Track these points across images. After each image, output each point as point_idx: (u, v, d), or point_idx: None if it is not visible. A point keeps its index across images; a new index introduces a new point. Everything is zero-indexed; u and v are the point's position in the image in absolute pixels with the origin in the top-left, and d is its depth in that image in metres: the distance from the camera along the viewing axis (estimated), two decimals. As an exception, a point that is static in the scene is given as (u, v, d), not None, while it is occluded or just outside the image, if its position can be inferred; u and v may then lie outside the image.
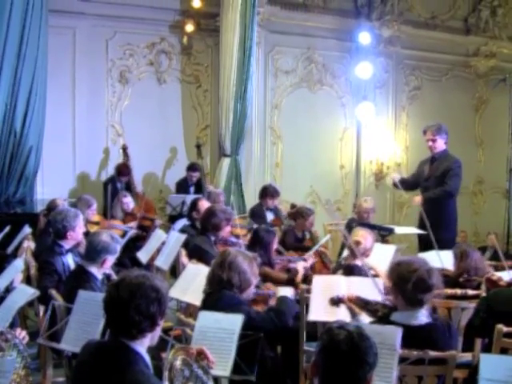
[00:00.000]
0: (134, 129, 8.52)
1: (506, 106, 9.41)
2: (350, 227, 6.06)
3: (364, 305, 3.38)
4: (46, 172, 7.72)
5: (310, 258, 5.33)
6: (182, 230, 6.19)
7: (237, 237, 5.78)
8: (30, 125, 7.20)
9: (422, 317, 2.95)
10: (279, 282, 4.61)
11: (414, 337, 2.82)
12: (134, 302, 2.29)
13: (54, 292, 3.88)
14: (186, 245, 5.46)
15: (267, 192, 7.35)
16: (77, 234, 4.61)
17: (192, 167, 8.13)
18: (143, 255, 5.78)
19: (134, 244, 6.31)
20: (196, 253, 5.08)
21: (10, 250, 5.48)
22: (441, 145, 6.45)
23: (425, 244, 5.71)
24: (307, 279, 4.81)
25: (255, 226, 6.39)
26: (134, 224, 6.75)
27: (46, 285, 4.17)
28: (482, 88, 10.66)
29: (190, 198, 7.08)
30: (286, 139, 9.42)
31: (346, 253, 5.10)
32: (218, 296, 3.36)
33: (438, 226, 6.05)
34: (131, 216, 6.95)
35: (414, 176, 6.90)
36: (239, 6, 8.15)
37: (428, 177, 6.50)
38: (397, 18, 9.53)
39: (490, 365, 2.53)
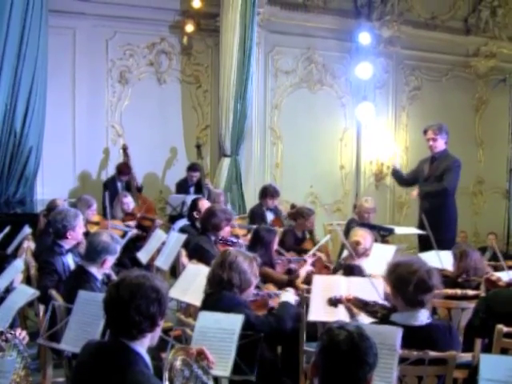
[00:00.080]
0: (134, 129, 8.52)
1: (506, 107, 9.42)
2: (350, 227, 6.06)
3: (362, 306, 3.38)
4: (46, 172, 7.72)
5: (310, 259, 5.32)
6: (183, 229, 6.20)
7: (237, 237, 5.79)
8: (30, 125, 7.20)
9: (423, 317, 2.94)
10: (280, 284, 4.60)
11: (414, 337, 2.82)
12: (134, 303, 2.29)
13: (53, 292, 3.88)
14: (186, 245, 5.46)
15: (267, 192, 7.35)
16: (77, 233, 4.61)
17: (192, 167, 8.13)
18: (143, 255, 5.78)
19: (134, 244, 6.31)
20: (196, 253, 5.08)
21: (10, 250, 5.47)
22: (441, 144, 6.46)
23: (425, 244, 5.71)
24: (307, 279, 4.81)
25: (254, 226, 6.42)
26: (132, 223, 6.76)
27: (46, 284, 4.17)
28: (482, 88, 10.66)
29: (190, 199, 7.08)
30: (286, 139, 9.42)
31: (345, 253, 5.10)
32: (218, 297, 3.36)
33: (438, 226, 6.05)
34: (131, 216, 6.96)
35: (412, 173, 6.94)
36: (239, 6, 8.15)
37: (428, 176, 6.51)
38: (397, 18, 9.53)
39: (490, 365, 2.53)
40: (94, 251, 3.90)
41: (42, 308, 4.17)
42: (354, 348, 2.04)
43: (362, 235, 4.81)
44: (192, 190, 8.11)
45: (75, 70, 8.14)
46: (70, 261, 4.51)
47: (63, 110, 8.03)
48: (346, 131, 9.80)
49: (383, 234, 6.28)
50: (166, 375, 2.52)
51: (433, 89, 10.33)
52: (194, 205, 6.38)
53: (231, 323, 3.08)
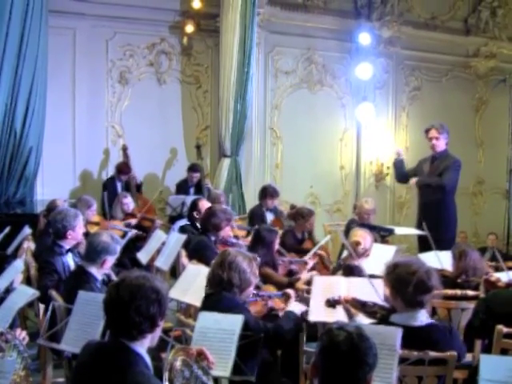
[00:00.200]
0: (134, 129, 8.52)
1: (506, 107, 9.42)
2: (350, 228, 6.06)
3: (361, 306, 3.38)
4: (46, 173, 7.72)
5: (311, 261, 5.31)
6: (183, 229, 6.20)
7: (237, 237, 5.79)
8: (30, 125, 7.20)
9: (422, 317, 2.95)
10: (280, 285, 4.60)
11: (414, 337, 2.82)
12: (134, 303, 2.29)
13: (53, 292, 3.88)
14: (186, 245, 5.46)
15: (267, 192, 7.34)
16: (77, 233, 4.61)
17: (193, 168, 8.13)
18: (143, 256, 5.78)
19: (134, 244, 6.31)
20: (196, 253, 5.09)
21: (10, 250, 5.47)
22: (443, 144, 6.47)
23: (424, 244, 5.71)
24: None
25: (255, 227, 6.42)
26: (133, 221, 6.77)
27: (46, 284, 4.17)
28: (482, 89, 10.66)
29: (189, 199, 7.08)
30: (286, 140, 9.42)
31: (345, 253, 5.10)
32: (218, 298, 3.36)
33: (438, 227, 6.06)
34: (131, 217, 6.96)
35: (411, 171, 6.93)
36: (239, 6, 8.15)
37: (428, 176, 6.51)
38: (397, 18, 9.53)
39: (490, 365, 2.54)
40: (93, 251, 3.91)
41: (42, 308, 4.17)
42: (353, 348, 2.04)
43: (362, 235, 4.81)
44: (192, 190, 8.12)
45: (75, 71, 8.14)
46: (70, 261, 4.51)
47: (63, 111, 8.03)
48: (346, 131, 9.80)
49: (383, 235, 6.28)
50: (166, 376, 2.52)
51: (433, 89, 10.33)
52: (194, 205, 6.38)
53: (231, 324, 3.08)
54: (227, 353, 2.99)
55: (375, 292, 3.56)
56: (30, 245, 5.33)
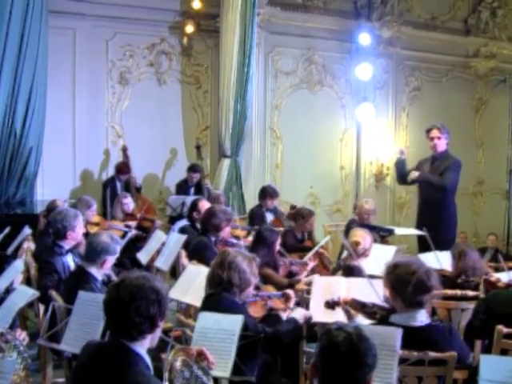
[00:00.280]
0: (134, 130, 8.52)
1: (506, 107, 9.43)
2: (350, 228, 6.06)
3: (360, 307, 3.37)
4: (46, 173, 7.72)
5: (311, 262, 5.30)
6: (183, 229, 6.20)
7: (237, 238, 5.78)
8: (30, 126, 7.20)
9: (422, 318, 2.95)
10: (280, 286, 4.59)
11: (413, 338, 2.82)
12: (134, 304, 2.29)
13: (53, 293, 3.88)
14: (186, 245, 5.46)
15: (266, 193, 7.34)
16: (77, 234, 4.61)
17: (192, 168, 8.13)
18: (143, 256, 5.78)
19: (134, 245, 6.31)
20: (196, 253, 5.09)
21: (10, 250, 5.47)
22: (443, 144, 6.45)
23: (424, 245, 5.71)
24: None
25: (255, 227, 6.41)
26: (132, 222, 6.76)
27: (46, 283, 4.18)
28: (482, 89, 10.67)
29: (189, 199, 7.08)
30: (286, 140, 9.42)
31: (345, 253, 5.10)
32: (218, 298, 3.36)
33: (438, 227, 6.06)
34: (131, 217, 6.96)
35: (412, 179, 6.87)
36: (239, 6, 8.15)
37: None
38: (397, 18, 9.53)
39: (490, 366, 2.54)
40: (93, 252, 3.91)
41: (42, 308, 4.17)
42: (352, 349, 2.05)
43: (362, 235, 4.81)
44: (192, 190, 8.12)
45: (75, 71, 8.13)
46: (70, 261, 4.52)
47: (63, 111, 8.02)
48: (346, 132, 9.81)
49: (383, 235, 6.28)
50: (165, 376, 2.52)
51: (433, 89, 10.33)
52: (194, 205, 6.37)
53: (231, 324, 3.08)
54: (227, 353, 2.99)
55: (375, 292, 3.56)
56: (30, 245, 5.33)
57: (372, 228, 5.83)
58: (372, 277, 3.83)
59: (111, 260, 4.00)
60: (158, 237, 5.92)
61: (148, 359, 2.36)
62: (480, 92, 10.68)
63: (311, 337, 3.70)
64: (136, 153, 8.26)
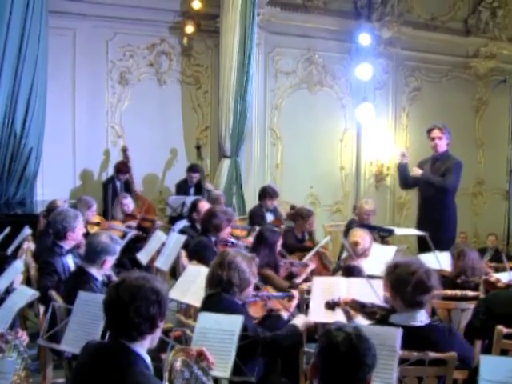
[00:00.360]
0: (134, 130, 8.52)
1: (506, 107, 9.42)
2: (349, 228, 6.06)
3: (360, 308, 3.37)
4: (46, 173, 7.72)
5: (311, 265, 5.29)
6: (182, 231, 6.20)
7: (237, 238, 5.78)
8: (30, 126, 7.20)
9: (421, 318, 2.95)
10: (280, 289, 4.59)
11: (413, 337, 2.82)
12: (134, 304, 2.29)
13: (53, 293, 3.88)
14: (186, 246, 5.46)
15: (266, 193, 7.34)
16: (77, 234, 4.61)
17: (192, 168, 8.14)
18: (143, 256, 5.78)
19: (134, 245, 6.30)
20: (196, 254, 5.09)
21: (9, 251, 5.47)
22: (444, 145, 6.42)
23: (424, 245, 5.70)
24: (307, 280, 4.80)
25: (256, 227, 6.41)
26: (133, 223, 6.76)
27: (46, 284, 4.17)
28: (482, 89, 10.67)
29: (189, 200, 7.08)
30: (286, 140, 9.42)
31: (345, 254, 5.10)
32: (218, 299, 3.36)
33: (438, 227, 6.06)
34: (131, 217, 6.96)
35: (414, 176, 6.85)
36: (239, 7, 8.15)
37: None
38: (397, 19, 9.54)
39: (490, 366, 2.54)
40: (93, 252, 3.91)
41: (42, 309, 4.17)
42: (352, 349, 2.05)
43: (361, 236, 4.81)
44: (192, 190, 8.12)
45: (75, 71, 8.14)
46: (70, 262, 4.51)
47: (63, 111, 8.03)
48: (346, 132, 9.81)
49: (383, 235, 6.27)
50: (165, 376, 2.52)
51: (433, 90, 10.33)
52: (194, 206, 6.37)
53: (231, 324, 3.08)
54: (227, 353, 2.99)
55: (374, 292, 3.56)
56: (29, 245, 5.33)
57: (372, 228, 5.83)
58: (371, 277, 3.83)
59: (111, 260, 4.00)
60: (158, 237, 5.92)
61: (148, 359, 2.36)
62: (480, 92, 10.68)
63: (311, 337, 3.70)
64: (136, 153, 8.27)
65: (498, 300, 3.51)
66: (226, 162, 8.59)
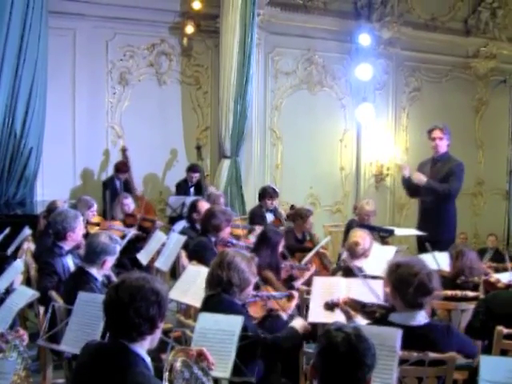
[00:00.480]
0: (134, 130, 8.52)
1: (506, 108, 9.41)
2: (350, 228, 6.05)
3: (360, 307, 3.37)
4: (46, 173, 7.72)
5: (311, 269, 5.27)
6: (182, 232, 6.19)
7: (237, 238, 5.78)
8: (30, 126, 7.20)
9: (421, 317, 2.95)
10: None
11: (412, 337, 2.82)
12: (134, 305, 2.28)
13: (53, 293, 3.88)
14: (185, 246, 5.46)
15: (266, 193, 7.34)
16: (76, 235, 4.61)
17: (192, 168, 8.14)
18: (143, 256, 5.78)
19: (134, 245, 6.30)
20: (196, 254, 5.08)
21: (9, 251, 5.47)
22: (445, 145, 6.38)
23: (423, 246, 5.70)
24: (308, 282, 4.80)
25: (256, 226, 6.41)
26: (134, 230, 6.75)
27: (46, 285, 4.17)
28: (482, 89, 10.67)
29: (189, 200, 7.07)
30: (286, 140, 9.43)
31: (345, 254, 5.09)
32: (218, 299, 3.36)
33: (438, 228, 6.05)
34: (131, 217, 6.95)
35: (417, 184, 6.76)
36: (239, 7, 8.15)
37: (429, 178, 6.42)
38: (397, 19, 9.55)
39: (490, 366, 2.54)
40: (93, 253, 3.91)
41: (41, 309, 4.17)
42: (351, 349, 2.05)
43: (361, 236, 4.80)
44: (192, 191, 8.12)
45: (75, 71, 8.14)
46: (70, 262, 4.51)
47: (63, 111, 8.03)
48: (346, 132, 9.81)
49: (383, 236, 6.27)
50: (165, 376, 2.51)
51: (433, 90, 10.34)
52: (194, 206, 6.36)
53: (231, 325, 3.08)
54: (227, 354, 2.99)
55: (372, 292, 3.56)
56: (29, 246, 5.33)
57: (372, 228, 5.82)
58: (372, 277, 3.83)
59: (111, 260, 4.00)
60: (158, 237, 5.92)
61: (148, 360, 2.36)
62: (480, 92, 10.69)
63: (311, 337, 3.70)
64: (136, 153, 8.27)
65: (498, 300, 3.52)
66: (226, 163, 8.59)
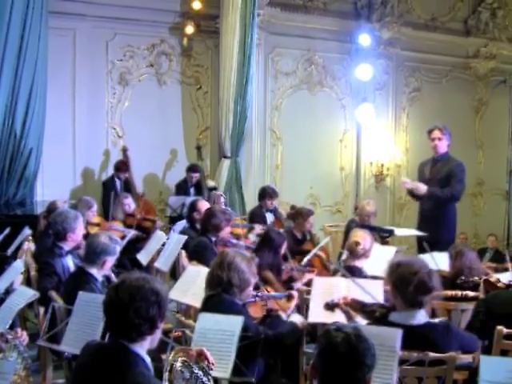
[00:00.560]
0: (134, 130, 8.53)
1: (506, 108, 9.41)
2: (350, 228, 6.05)
3: (360, 307, 3.37)
4: (46, 174, 7.72)
5: (311, 274, 5.25)
6: (182, 232, 6.19)
7: (237, 237, 5.78)
8: (30, 126, 7.20)
9: (421, 317, 2.95)
10: None
11: (412, 336, 2.82)
12: (134, 305, 2.28)
13: (53, 294, 3.88)
14: (185, 246, 5.45)
15: (265, 193, 7.34)
16: (77, 235, 4.60)
17: (192, 168, 8.14)
18: (143, 257, 5.77)
19: (134, 245, 6.30)
20: (196, 254, 5.08)
21: (9, 251, 5.47)
22: (445, 146, 6.37)
23: (423, 246, 5.69)
24: (307, 283, 4.80)
25: (256, 225, 6.42)
26: (134, 230, 6.75)
27: (46, 286, 4.17)
28: (482, 90, 10.67)
29: (189, 200, 7.07)
30: (286, 141, 9.43)
31: (345, 255, 5.09)
32: (218, 300, 3.36)
33: (438, 228, 6.05)
34: (132, 217, 6.94)
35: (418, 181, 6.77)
36: (239, 7, 8.15)
37: (429, 179, 6.39)
38: (397, 19, 9.55)
39: (490, 367, 2.54)
40: (93, 253, 3.91)
41: (41, 309, 4.17)
42: (351, 350, 2.05)
43: (362, 236, 4.80)
44: (192, 190, 8.12)
45: (75, 72, 8.14)
46: (70, 262, 4.51)
47: (63, 112, 8.03)
48: (346, 132, 9.81)
49: (383, 236, 6.27)
50: (165, 376, 2.52)
51: (433, 90, 10.34)
52: (193, 206, 6.36)
53: (231, 325, 3.08)
54: (227, 354, 2.99)
55: (368, 293, 3.55)
56: (29, 246, 5.32)
57: (372, 229, 5.82)
58: (373, 277, 3.83)
59: (111, 260, 4.00)
60: (158, 237, 5.91)
61: (148, 360, 2.36)
62: (480, 93, 10.68)
63: (311, 337, 3.70)
64: (136, 153, 8.27)
65: (498, 300, 3.52)
66: (226, 163, 8.59)
